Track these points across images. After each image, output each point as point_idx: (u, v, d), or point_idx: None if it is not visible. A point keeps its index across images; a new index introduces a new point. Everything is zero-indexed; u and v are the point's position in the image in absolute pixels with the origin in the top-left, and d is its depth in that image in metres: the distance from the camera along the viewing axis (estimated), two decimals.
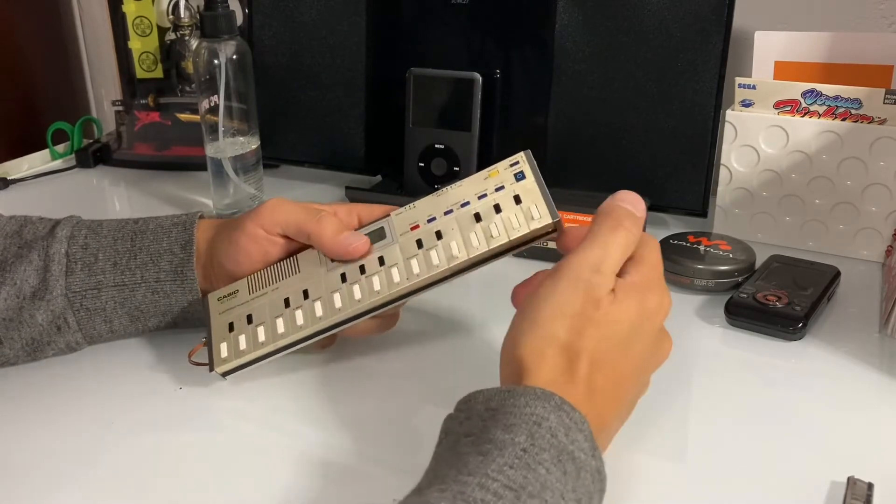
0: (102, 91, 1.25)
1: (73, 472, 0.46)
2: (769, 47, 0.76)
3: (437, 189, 0.54)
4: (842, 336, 0.59)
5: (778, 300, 0.60)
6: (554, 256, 0.47)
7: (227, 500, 0.44)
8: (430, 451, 0.39)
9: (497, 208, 0.51)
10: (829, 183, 0.71)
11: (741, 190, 0.75)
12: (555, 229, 0.49)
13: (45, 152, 1.07)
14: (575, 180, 0.79)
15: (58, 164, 1.06)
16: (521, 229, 0.49)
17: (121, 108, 1.06)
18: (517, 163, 0.52)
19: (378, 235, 0.54)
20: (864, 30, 0.81)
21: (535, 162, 0.52)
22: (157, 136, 1.03)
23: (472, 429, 0.38)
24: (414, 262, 0.51)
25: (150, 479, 0.45)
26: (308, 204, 0.56)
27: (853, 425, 0.49)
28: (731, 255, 0.66)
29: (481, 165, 0.80)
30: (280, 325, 0.52)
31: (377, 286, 0.51)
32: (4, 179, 0.97)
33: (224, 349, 0.52)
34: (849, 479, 0.43)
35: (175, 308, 0.56)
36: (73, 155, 1.06)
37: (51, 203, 0.61)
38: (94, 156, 1.05)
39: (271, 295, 0.54)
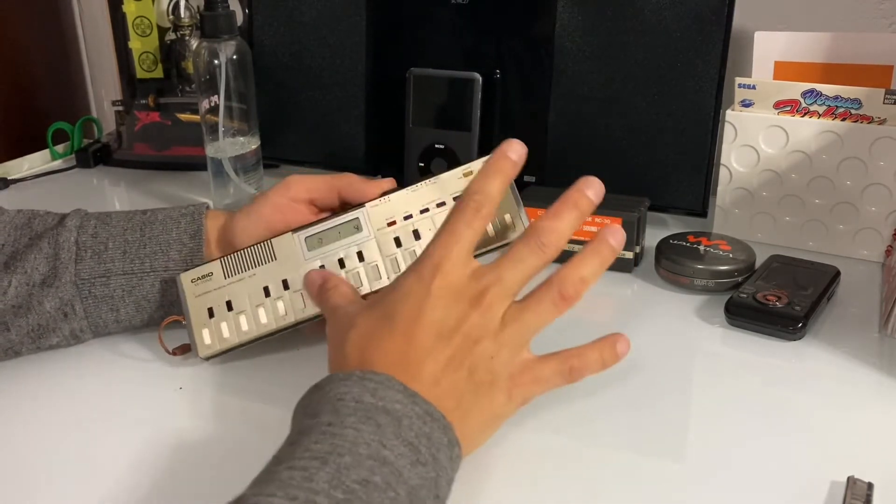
0: (102, 91, 1.25)
1: (75, 470, 0.46)
2: (769, 47, 0.76)
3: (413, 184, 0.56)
4: (842, 336, 0.59)
5: (778, 300, 0.60)
6: None
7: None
8: None
9: None
10: (829, 183, 0.71)
11: (741, 190, 0.75)
12: None
13: (46, 152, 1.07)
14: (575, 180, 0.79)
15: (58, 164, 1.06)
16: (496, 238, 0.52)
17: (121, 108, 1.06)
18: None
19: (354, 227, 0.55)
20: (864, 30, 0.81)
21: None
22: (157, 136, 1.03)
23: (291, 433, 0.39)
24: (396, 260, 0.53)
25: (153, 477, 0.45)
26: None
27: (853, 425, 0.49)
28: (731, 255, 0.66)
29: None
30: (262, 316, 0.53)
31: (362, 281, 0.53)
32: (4, 179, 0.97)
33: (206, 336, 0.54)
34: (849, 479, 0.43)
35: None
36: (73, 155, 1.06)
37: (51, 203, 0.61)
38: (95, 156, 1.05)
39: (249, 281, 0.55)
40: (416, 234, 0.54)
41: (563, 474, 0.45)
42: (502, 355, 0.42)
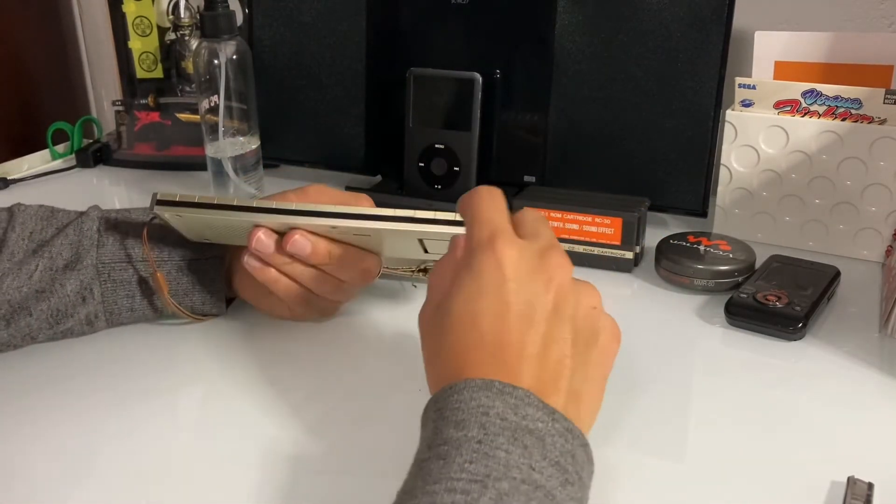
0: (102, 91, 1.25)
1: (83, 471, 0.46)
2: (769, 47, 0.76)
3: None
4: (842, 336, 0.59)
5: (778, 300, 0.60)
6: None
7: (234, 498, 0.44)
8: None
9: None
10: (829, 183, 0.71)
11: (741, 190, 0.75)
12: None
13: (45, 152, 1.07)
14: (575, 180, 0.79)
15: (58, 164, 1.06)
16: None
17: (121, 108, 1.06)
18: None
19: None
20: (864, 30, 0.81)
21: None
22: (157, 136, 1.03)
23: (427, 434, 0.38)
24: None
25: (164, 480, 0.45)
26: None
27: (853, 425, 0.49)
28: (731, 255, 0.66)
29: (481, 165, 0.81)
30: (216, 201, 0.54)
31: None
32: (4, 179, 0.97)
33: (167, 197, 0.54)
34: (849, 479, 0.43)
35: (196, 289, 0.59)
36: (73, 155, 1.06)
37: (51, 203, 0.61)
38: (95, 156, 1.05)
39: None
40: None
41: None
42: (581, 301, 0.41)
